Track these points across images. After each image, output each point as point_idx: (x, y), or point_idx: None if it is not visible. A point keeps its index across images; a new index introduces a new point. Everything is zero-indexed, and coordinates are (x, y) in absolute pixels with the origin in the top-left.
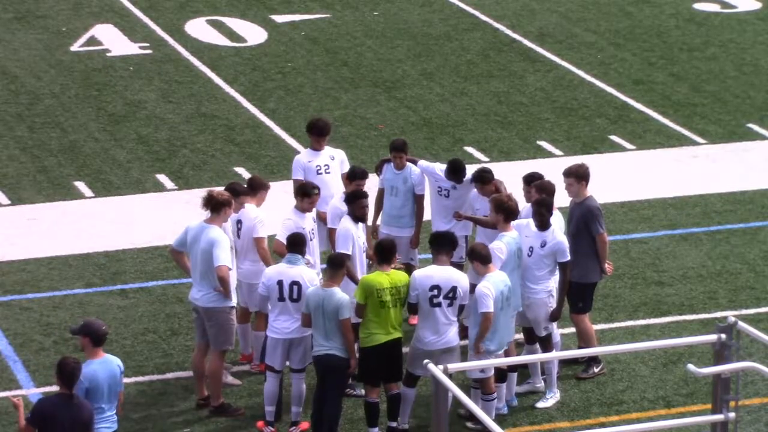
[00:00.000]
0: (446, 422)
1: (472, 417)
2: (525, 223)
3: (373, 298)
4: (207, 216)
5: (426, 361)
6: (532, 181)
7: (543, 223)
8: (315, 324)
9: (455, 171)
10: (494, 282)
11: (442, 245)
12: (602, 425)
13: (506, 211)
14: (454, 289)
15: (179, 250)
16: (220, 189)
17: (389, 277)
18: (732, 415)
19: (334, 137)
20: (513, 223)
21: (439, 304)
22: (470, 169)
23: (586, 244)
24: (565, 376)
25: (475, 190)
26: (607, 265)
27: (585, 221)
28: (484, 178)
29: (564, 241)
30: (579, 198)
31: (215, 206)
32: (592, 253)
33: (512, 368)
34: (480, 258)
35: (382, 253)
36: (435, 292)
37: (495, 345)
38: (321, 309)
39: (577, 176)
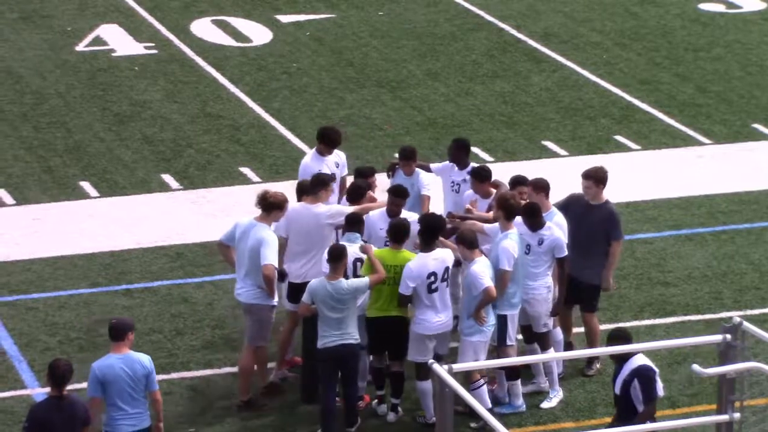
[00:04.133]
0: (451, 422)
1: (472, 414)
2: (520, 220)
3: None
4: (258, 214)
5: (431, 362)
6: (517, 184)
7: (534, 226)
8: (324, 316)
9: (460, 148)
10: (485, 264)
11: (432, 233)
12: (607, 426)
13: (507, 209)
14: (447, 269)
15: (227, 244)
16: (275, 190)
17: (396, 257)
18: (737, 415)
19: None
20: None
21: (437, 289)
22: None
23: (603, 247)
24: (570, 376)
25: (470, 190)
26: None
27: (606, 225)
28: (481, 175)
29: (561, 236)
30: (597, 201)
31: (265, 207)
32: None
33: (515, 374)
34: (467, 242)
35: (396, 233)
36: (432, 279)
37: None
38: (330, 300)
39: (596, 179)
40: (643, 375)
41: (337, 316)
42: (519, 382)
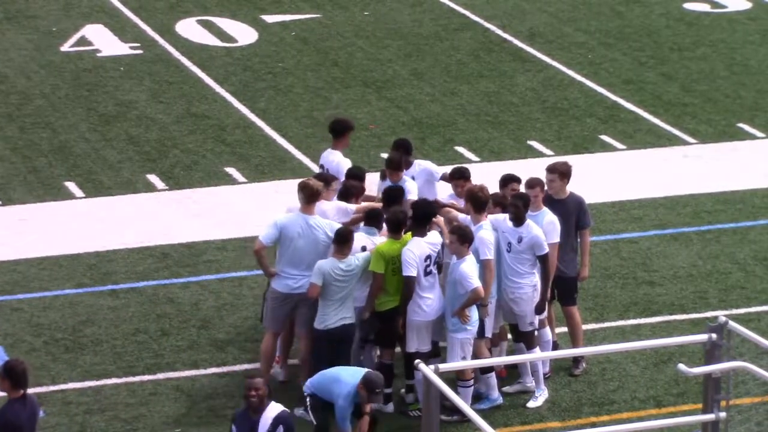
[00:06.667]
0: (437, 421)
1: (444, 408)
2: (502, 218)
3: (388, 266)
4: (301, 206)
5: (417, 361)
6: (507, 183)
7: (518, 218)
8: (327, 298)
9: (396, 147)
10: (473, 263)
11: (426, 218)
12: (593, 425)
13: (475, 201)
14: (438, 252)
15: (269, 246)
16: (310, 179)
17: (401, 245)
18: (723, 414)
19: (325, 137)
20: (491, 217)
21: (431, 272)
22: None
23: (574, 238)
24: (557, 375)
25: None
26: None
27: (577, 214)
28: (465, 175)
29: (540, 234)
30: (560, 195)
31: (311, 196)
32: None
33: (489, 367)
34: (467, 237)
35: (395, 224)
36: (428, 262)
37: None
38: (339, 278)
39: (561, 173)
40: (285, 420)
41: (341, 295)
42: (493, 374)
